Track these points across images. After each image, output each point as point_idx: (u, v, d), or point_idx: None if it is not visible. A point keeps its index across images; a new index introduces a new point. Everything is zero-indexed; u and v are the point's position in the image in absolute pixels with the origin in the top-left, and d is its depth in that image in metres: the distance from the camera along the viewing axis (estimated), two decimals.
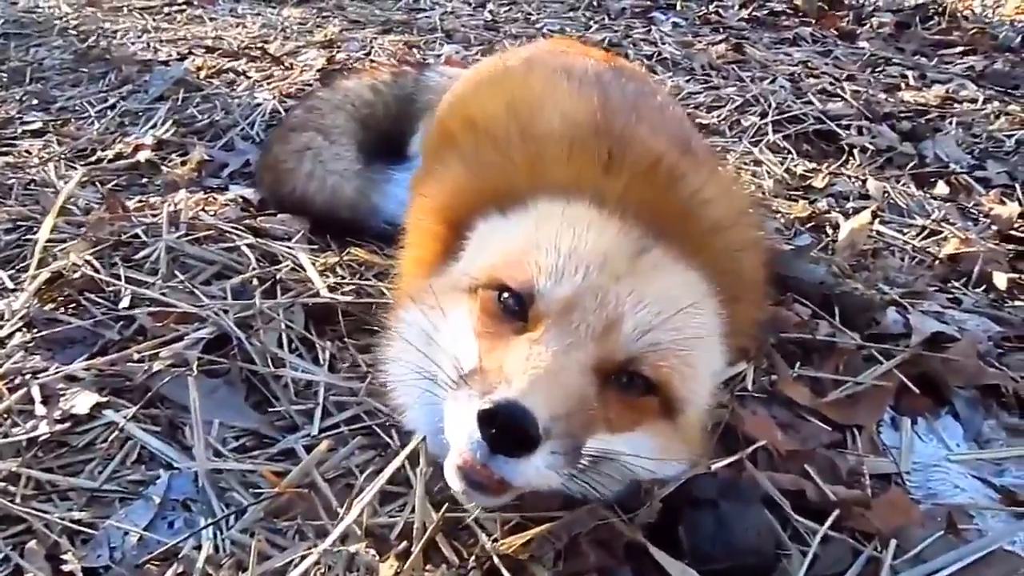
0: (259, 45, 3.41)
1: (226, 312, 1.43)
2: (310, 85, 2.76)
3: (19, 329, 1.45)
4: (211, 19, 3.96)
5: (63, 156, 2.28)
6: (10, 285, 1.57)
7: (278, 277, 1.55)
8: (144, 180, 2.14)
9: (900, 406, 1.42)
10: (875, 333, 1.55)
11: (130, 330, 1.42)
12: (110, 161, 2.21)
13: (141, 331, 1.42)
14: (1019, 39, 3.98)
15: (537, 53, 1.80)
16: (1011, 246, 2.01)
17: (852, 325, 1.56)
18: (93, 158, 2.25)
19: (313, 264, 1.62)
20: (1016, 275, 1.87)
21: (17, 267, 1.68)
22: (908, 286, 1.78)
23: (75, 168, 2.19)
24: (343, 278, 1.62)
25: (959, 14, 4.45)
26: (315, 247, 1.75)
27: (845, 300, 1.58)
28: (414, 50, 3.41)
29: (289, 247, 1.70)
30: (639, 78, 1.71)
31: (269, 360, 1.35)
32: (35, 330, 1.43)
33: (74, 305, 1.51)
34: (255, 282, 1.55)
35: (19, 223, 1.85)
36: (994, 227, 2.10)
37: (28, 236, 1.79)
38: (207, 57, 3.24)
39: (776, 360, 1.47)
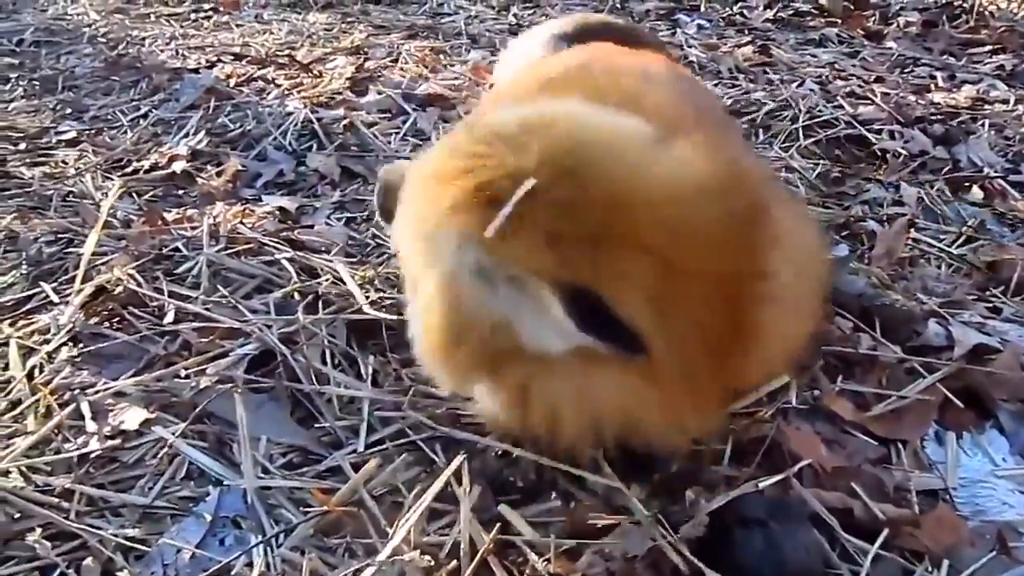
0: (286, 52, 3.43)
1: (269, 327, 1.45)
2: (340, 93, 2.78)
3: (65, 343, 1.47)
4: (238, 25, 3.99)
5: (99, 167, 2.30)
6: (55, 299, 1.59)
7: (319, 292, 1.56)
8: (180, 191, 2.16)
9: (944, 420, 1.41)
10: (917, 345, 1.54)
11: (175, 345, 1.44)
12: (146, 172, 2.24)
13: (186, 346, 1.44)
14: None
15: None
16: None
17: (893, 337, 1.55)
18: (129, 169, 2.27)
19: (352, 277, 1.64)
20: None
21: (60, 279, 1.70)
22: (947, 295, 1.77)
23: (112, 179, 2.22)
24: (383, 292, 1.63)
25: (987, 12, 4.41)
26: (353, 259, 1.76)
27: (886, 312, 1.57)
28: (440, 56, 3.42)
29: (328, 260, 1.71)
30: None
31: (313, 376, 1.36)
32: (81, 344, 1.45)
33: (118, 319, 1.53)
34: (296, 296, 1.57)
35: (60, 235, 1.88)
36: None
37: (69, 249, 1.81)
38: (235, 65, 3.26)
39: (818, 374, 1.46)
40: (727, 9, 4.59)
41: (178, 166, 2.23)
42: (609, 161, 0.98)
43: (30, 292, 1.67)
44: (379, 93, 2.74)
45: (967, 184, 2.37)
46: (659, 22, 4.30)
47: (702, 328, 1.02)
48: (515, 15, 4.37)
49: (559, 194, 0.94)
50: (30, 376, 1.39)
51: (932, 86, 3.29)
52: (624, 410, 1.06)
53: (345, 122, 2.52)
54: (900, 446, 1.34)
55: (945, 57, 3.76)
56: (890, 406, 1.40)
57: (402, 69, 3.05)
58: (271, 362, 1.38)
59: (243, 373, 1.35)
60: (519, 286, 0.94)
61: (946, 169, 2.45)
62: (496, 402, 1.15)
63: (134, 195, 2.15)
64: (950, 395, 1.41)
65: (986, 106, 3.06)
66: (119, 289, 1.57)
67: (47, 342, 1.48)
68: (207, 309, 1.50)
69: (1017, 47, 3.83)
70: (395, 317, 1.48)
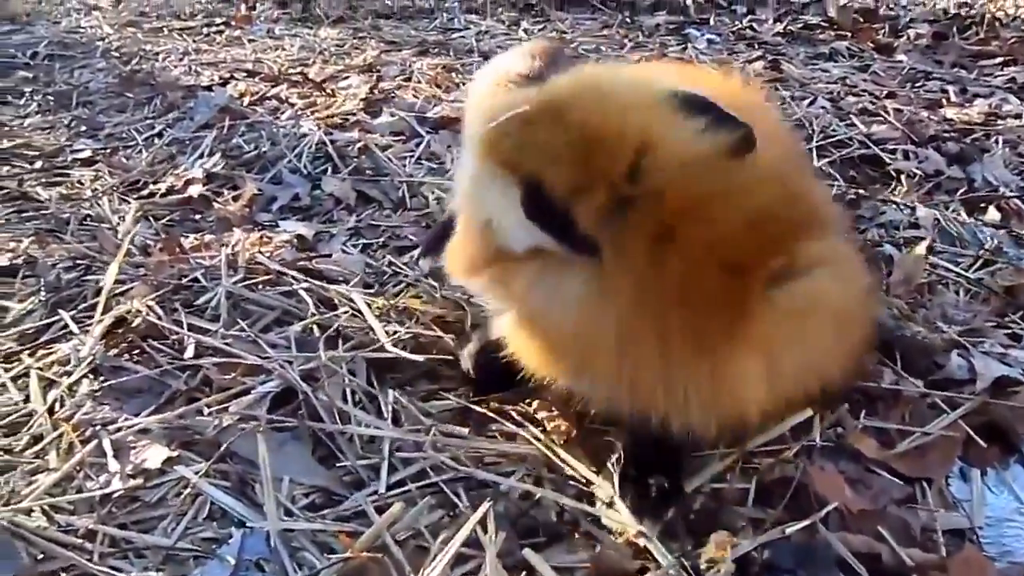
0: (299, 69, 3.44)
1: (290, 363, 1.45)
2: (353, 115, 2.78)
3: (85, 375, 1.48)
4: (250, 41, 4.00)
5: (115, 189, 2.31)
6: (75, 328, 1.59)
7: (338, 326, 1.56)
8: (197, 215, 2.17)
9: (968, 456, 1.40)
10: (938, 379, 1.53)
11: (196, 380, 1.44)
12: (162, 195, 2.24)
13: (207, 381, 1.44)
14: None
15: None
16: None
17: (914, 370, 1.54)
18: (145, 192, 2.28)
19: (370, 308, 1.64)
20: None
21: (79, 307, 1.71)
22: (967, 323, 1.76)
23: (128, 201, 2.23)
24: (402, 323, 1.63)
25: (997, 23, 4.39)
26: (370, 290, 1.76)
27: (906, 344, 1.57)
28: (452, 74, 3.42)
29: (346, 292, 1.71)
30: None
31: (336, 414, 1.36)
32: (102, 378, 1.46)
33: (138, 352, 1.53)
34: (316, 330, 1.57)
35: (78, 261, 1.88)
36: None
37: (88, 276, 1.81)
38: (248, 82, 3.28)
39: (840, 409, 1.46)
40: (737, 23, 4.59)
41: (194, 190, 2.24)
42: (593, 107, 1.11)
43: (49, 320, 1.67)
44: (392, 115, 2.74)
45: (983, 204, 2.36)
46: (669, 37, 4.30)
47: (677, 287, 1.08)
48: (525, 30, 4.38)
49: (543, 126, 1.11)
50: (51, 410, 1.39)
51: (944, 101, 3.28)
52: (577, 323, 1.14)
53: (359, 145, 2.52)
54: (925, 484, 1.33)
55: (956, 70, 3.75)
56: (914, 443, 1.39)
57: (415, 90, 3.05)
58: (293, 400, 1.38)
59: (265, 412, 1.34)
60: (495, 181, 1.15)
61: (962, 189, 2.44)
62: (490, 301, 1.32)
63: (151, 219, 2.15)
64: (972, 433, 1.40)
65: (999, 121, 3.05)
66: (138, 320, 1.57)
67: (67, 374, 1.48)
68: (227, 344, 1.50)
69: None
70: (414, 356, 1.47)
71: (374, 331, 1.56)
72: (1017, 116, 3.09)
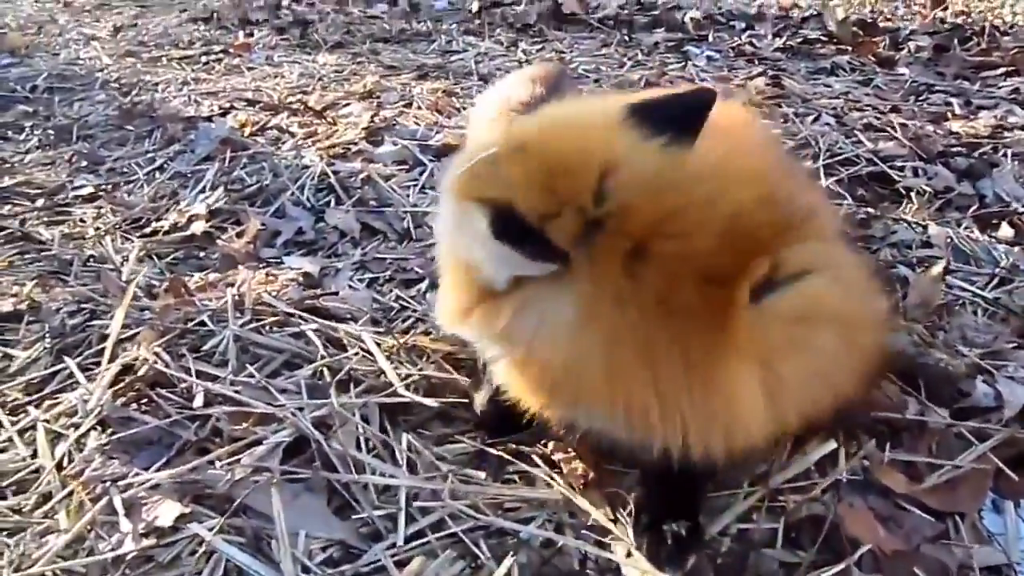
0: (299, 97, 3.42)
1: (301, 411, 1.41)
2: (355, 144, 2.76)
3: (93, 427, 1.44)
4: (249, 68, 3.99)
5: (118, 227, 2.29)
6: (81, 378, 1.56)
7: (349, 369, 1.53)
8: (201, 253, 2.14)
9: (999, 487, 1.36)
10: (964, 407, 1.50)
11: (206, 430, 1.41)
12: (166, 233, 2.22)
13: (217, 431, 1.41)
14: None
15: None
16: None
17: (938, 399, 1.51)
18: (148, 229, 2.25)
19: (379, 347, 1.61)
20: None
21: (85, 354, 1.68)
22: (988, 346, 1.73)
23: (131, 240, 2.20)
24: (413, 363, 1.60)
25: (997, 32, 4.38)
26: (380, 328, 1.73)
27: (929, 372, 1.54)
28: (452, 99, 3.40)
29: (355, 332, 1.68)
30: None
31: (351, 463, 1.32)
32: (110, 430, 1.43)
33: (146, 401, 1.50)
34: (326, 374, 1.54)
35: (82, 305, 1.85)
36: None
37: (93, 321, 1.78)
38: (249, 112, 3.26)
39: (864, 441, 1.43)
40: (735, 39, 4.58)
41: (197, 227, 2.21)
42: (555, 137, 1.15)
43: (55, 368, 1.64)
44: (395, 144, 2.72)
45: (995, 221, 2.33)
46: (668, 55, 4.29)
47: (656, 303, 1.08)
48: (524, 51, 4.37)
49: (509, 161, 1.13)
50: (60, 466, 1.36)
51: (949, 114, 3.26)
52: (563, 353, 1.14)
53: (363, 175, 2.50)
54: (958, 519, 1.29)
55: (959, 82, 3.73)
56: (943, 476, 1.35)
57: (416, 118, 3.03)
58: (306, 449, 1.35)
59: (279, 463, 1.31)
60: (468, 217, 1.15)
61: (973, 206, 2.41)
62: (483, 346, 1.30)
63: (154, 257, 2.12)
64: (1003, 465, 1.36)
65: (1006, 133, 3.03)
66: (145, 368, 1.54)
67: (75, 427, 1.45)
68: (237, 391, 1.47)
69: None
70: (428, 401, 1.44)
71: (385, 373, 1.53)
72: (1023, 128, 3.07)
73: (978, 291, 1.98)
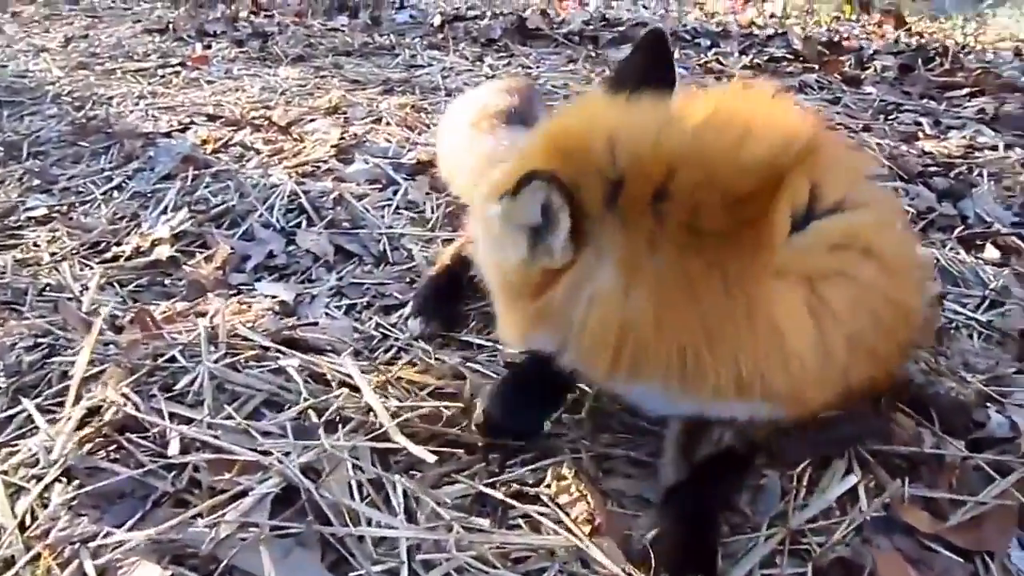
0: (261, 112, 3.30)
1: (288, 455, 1.31)
2: (325, 162, 2.65)
3: (58, 479, 1.31)
4: (208, 82, 3.85)
5: (75, 252, 2.14)
6: (42, 423, 1.43)
7: (336, 407, 1.43)
8: (166, 278, 2.01)
9: (1022, 523, 1.32)
10: (980, 438, 1.45)
11: (183, 480, 1.29)
12: (127, 258, 2.08)
13: (196, 481, 1.29)
14: None
15: None
16: None
17: (953, 430, 1.46)
18: (108, 255, 2.12)
19: (368, 385, 1.51)
20: None
21: (44, 394, 1.54)
22: (990, 371, 1.69)
23: (90, 266, 2.06)
24: (400, 398, 1.50)
25: (960, 54, 4.44)
26: (362, 360, 1.64)
27: (942, 402, 1.49)
28: (421, 114, 3.31)
29: (338, 364, 1.58)
30: None
31: (345, 513, 1.22)
32: (77, 481, 1.30)
33: (115, 447, 1.37)
34: (312, 414, 1.43)
35: (39, 339, 1.71)
36: None
37: (52, 357, 1.65)
38: (210, 127, 3.13)
39: (881, 475, 1.37)
40: (702, 55, 4.57)
41: (162, 251, 2.09)
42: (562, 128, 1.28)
43: (10, 412, 1.51)
44: (366, 162, 2.62)
45: (980, 242, 2.32)
46: None
47: (686, 235, 1.13)
48: (490, 66, 4.30)
49: (525, 160, 1.26)
50: (23, 525, 1.23)
51: (920, 134, 3.27)
52: (616, 313, 1.17)
53: (334, 195, 2.39)
54: (987, 558, 1.24)
55: (925, 101, 3.75)
56: (968, 513, 1.30)
57: (387, 135, 2.93)
58: (295, 499, 1.24)
59: (267, 517, 1.20)
60: (501, 213, 1.22)
61: (956, 227, 2.39)
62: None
63: (116, 285, 1.99)
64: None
65: (977, 153, 3.04)
66: (112, 411, 1.42)
67: (37, 478, 1.32)
68: (215, 436, 1.35)
69: (994, 89, 3.85)
70: (423, 450, 1.34)
71: (374, 411, 1.43)
72: (994, 148, 3.08)
73: (971, 314, 1.95)
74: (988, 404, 1.55)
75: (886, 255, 1.23)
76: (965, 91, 3.83)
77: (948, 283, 2.11)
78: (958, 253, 2.27)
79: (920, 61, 4.21)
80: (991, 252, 2.27)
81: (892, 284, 1.24)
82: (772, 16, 7.02)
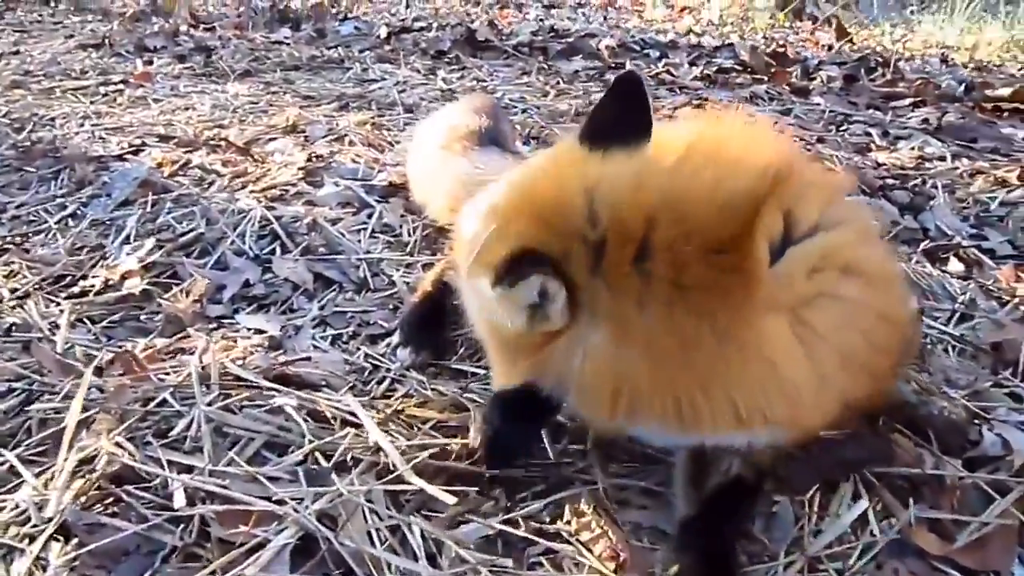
0: (216, 132, 3.21)
1: (301, 502, 1.27)
2: (294, 185, 2.59)
3: (54, 537, 1.25)
4: (155, 100, 3.74)
5: (38, 288, 2.05)
6: (29, 477, 1.36)
7: (344, 448, 1.40)
8: (140, 315, 1.94)
9: (1021, 539, 1.36)
10: (974, 457, 1.49)
11: (192, 533, 1.24)
12: (97, 293, 2.00)
13: (205, 534, 1.24)
14: (962, 88, 4.11)
15: None
16: None
17: (948, 449, 1.50)
18: (76, 289, 2.03)
19: (371, 420, 1.48)
20: None
21: (25, 444, 1.47)
22: (971, 386, 1.74)
23: (56, 302, 1.97)
24: (407, 439, 1.47)
25: (899, 64, 4.59)
26: (363, 398, 1.60)
27: (937, 422, 1.53)
28: (383, 132, 3.27)
29: (337, 401, 1.54)
30: None
31: (368, 562, 1.19)
32: (76, 540, 1.23)
33: (113, 501, 1.31)
34: (320, 457, 1.39)
35: (13, 385, 1.63)
36: (1023, 308, 2.10)
37: (30, 404, 1.57)
38: (163, 148, 3.03)
39: (887, 498, 1.40)
40: (652, 67, 4.63)
41: (133, 284, 2.01)
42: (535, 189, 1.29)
43: None
44: (336, 184, 2.57)
45: (944, 255, 2.39)
46: (591, 83, 4.29)
47: (673, 287, 1.14)
48: (443, 79, 4.28)
49: (507, 226, 1.25)
50: None
51: (872, 145, 3.36)
52: (611, 365, 1.20)
53: (307, 220, 2.34)
54: None
55: (872, 112, 3.87)
56: (973, 534, 1.33)
57: (355, 156, 2.88)
58: (314, 550, 1.21)
59: (288, 571, 1.16)
60: (480, 290, 1.25)
61: (921, 240, 2.46)
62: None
63: (86, 321, 1.91)
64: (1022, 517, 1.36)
65: (928, 164, 3.14)
66: (104, 461, 1.36)
67: (30, 538, 1.25)
68: (222, 485, 1.30)
69: (934, 99, 3.99)
70: (442, 493, 1.32)
71: (383, 450, 1.40)
72: (943, 159, 3.19)
73: (944, 328, 2.01)
74: (976, 421, 1.59)
75: (868, 270, 1.27)
76: (908, 101, 3.97)
77: (918, 297, 2.17)
78: (924, 266, 2.33)
79: (863, 71, 4.34)
80: (955, 265, 2.34)
81: (877, 298, 1.29)
82: (709, 23, 7.18)
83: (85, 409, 1.49)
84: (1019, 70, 4.95)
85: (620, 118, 1.28)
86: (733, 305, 1.15)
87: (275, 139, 3.12)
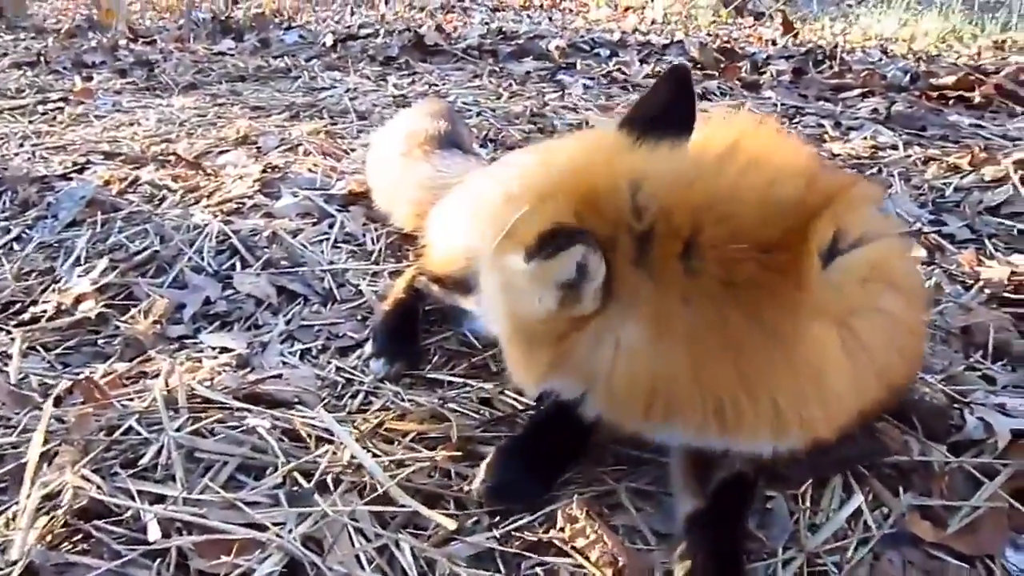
0: (163, 147, 3.12)
1: (283, 526, 1.21)
2: (250, 198, 2.52)
3: None
4: (97, 117, 3.62)
5: None
6: None
7: (323, 467, 1.34)
8: (97, 340, 1.85)
9: (1012, 523, 1.35)
10: (959, 441, 1.49)
11: (170, 567, 1.17)
12: (49, 319, 1.91)
13: (183, 567, 1.17)
14: (907, 78, 4.19)
15: None
16: (1008, 309, 2.03)
17: (933, 435, 1.50)
18: (26, 316, 1.93)
19: (349, 436, 1.42)
20: None
21: None
22: (946, 371, 1.75)
23: (7, 330, 1.88)
24: (388, 454, 1.42)
25: (846, 56, 4.66)
26: (338, 413, 1.55)
27: (921, 409, 1.52)
28: (338, 140, 3.21)
29: (311, 418, 1.49)
30: None
31: None
32: None
33: (82, 538, 1.24)
34: (299, 478, 1.34)
35: None
36: (987, 290, 2.12)
37: None
38: (109, 166, 2.93)
39: (877, 487, 1.39)
40: (603, 66, 4.64)
41: (87, 307, 1.92)
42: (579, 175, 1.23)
43: None
44: (294, 195, 2.50)
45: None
46: (543, 84, 4.27)
47: (722, 288, 1.12)
48: (394, 85, 4.22)
49: (545, 207, 1.20)
50: None
51: (825, 136, 3.40)
52: (648, 366, 1.16)
53: (267, 233, 2.27)
54: (989, 561, 1.27)
55: (822, 104, 3.91)
56: (964, 519, 1.33)
57: (311, 167, 2.81)
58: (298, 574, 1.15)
59: None
60: (522, 267, 1.17)
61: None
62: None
63: (40, 349, 1.82)
64: (1014, 502, 1.36)
65: (881, 153, 3.18)
66: (70, 495, 1.28)
67: None
68: (200, 513, 1.24)
69: (882, 89, 4.06)
70: (435, 514, 1.27)
71: (364, 466, 1.35)
72: (895, 147, 3.24)
73: None
74: (956, 406, 1.60)
75: (906, 285, 1.27)
76: (856, 92, 4.03)
77: None
78: None
79: (811, 64, 4.39)
80: (918, 251, 2.36)
81: (911, 313, 1.28)
82: (653, 22, 7.23)
83: (46, 441, 1.41)
84: (959, 59, 5.06)
85: (666, 110, 1.27)
86: (783, 306, 1.12)
87: (226, 151, 3.04)
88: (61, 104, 3.82)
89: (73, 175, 2.85)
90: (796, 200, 1.14)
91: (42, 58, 4.82)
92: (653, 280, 1.13)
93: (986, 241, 2.41)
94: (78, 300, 1.95)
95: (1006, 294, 2.09)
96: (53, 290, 2.04)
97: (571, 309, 1.17)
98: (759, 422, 1.15)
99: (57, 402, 1.55)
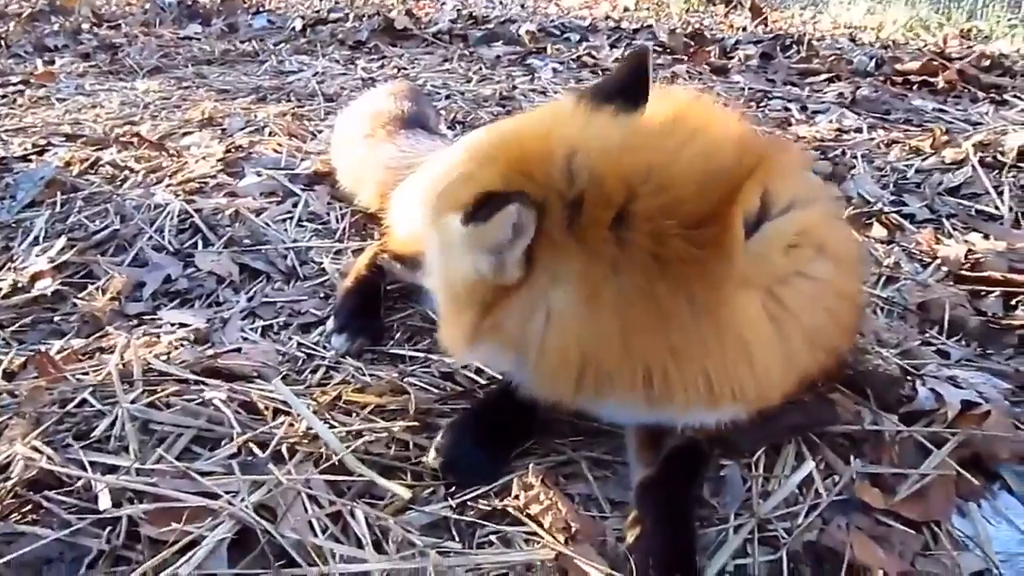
0: (127, 129, 3.08)
1: (236, 495, 1.21)
2: (213, 177, 2.50)
3: None
4: (59, 100, 3.57)
5: None
6: None
7: (279, 437, 1.34)
8: (54, 317, 1.83)
9: (960, 491, 1.38)
10: (910, 411, 1.52)
11: (120, 535, 1.17)
12: (5, 296, 1.88)
13: (134, 535, 1.17)
14: (872, 63, 4.22)
15: None
16: (963, 287, 2.07)
17: (886, 405, 1.52)
18: None
19: (308, 409, 1.42)
20: (982, 318, 1.91)
21: None
22: (901, 345, 1.78)
23: None
24: (346, 425, 1.42)
25: (814, 41, 4.69)
26: (297, 386, 1.54)
27: (874, 379, 1.55)
28: (305, 122, 3.19)
29: (269, 391, 1.48)
30: None
31: (311, 552, 1.14)
32: None
33: (32, 508, 1.23)
34: (255, 449, 1.33)
35: None
36: (944, 268, 2.15)
37: None
38: (70, 147, 2.88)
39: (829, 456, 1.41)
40: (573, 50, 4.63)
41: (44, 285, 1.90)
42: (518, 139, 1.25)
43: None
44: (258, 174, 2.49)
45: (868, 221, 2.44)
46: (513, 68, 4.27)
47: (650, 259, 1.13)
48: (364, 68, 4.20)
49: (481, 169, 1.23)
50: None
51: (792, 119, 3.43)
52: (578, 335, 1.17)
53: (229, 212, 2.26)
54: (935, 527, 1.29)
55: (789, 88, 3.94)
56: (912, 486, 1.35)
57: (275, 147, 2.79)
58: (253, 543, 1.15)
59: (227, 567, 1.10)
60: (456, 229, 1.18)
61: (846, 209, 2.51)
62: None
63: None
64: (961, 470, 1.38)
65: (846, 136, 3.21)
66: (21, 467, 1.27)
67: None
68: (152, 483, 1.23)
69: (848, 74, 4.09)
70: (393, 485, 1.27)
71: (320, 436, 1.35)
72: (859, 130, 3.27)
73: (872, 291, 2.05)
74: (909, 378, 1.62)
75: (837, 250, 1.27)
76: (823, 77, 4.06)
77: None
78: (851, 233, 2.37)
79: (779, 49, 4.42)
80: (879, 231, 2.39)
81: (842, 278, 1.28)
82: (626, 10, 7.23)
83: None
84: (924, 46, 5.11)
85: (622, 87, 1.29)
86: (711, 281, 1.13)
87: (190, 133, 3.01)
88: (22, 87, 3.76)
89: (33, 157, 2.81)
90: (728, 171, 1.15)
91: (3, 42, 4.74)
92: (583, 247, 1.13)
93: (944, 221, 2.45)
94: (35, 278, 1.92)
95: (962, 272, 2.12)
96: (9, 268, 2.01)
97: (496, 276, 1.17)
98: (689, 393, 1.16)
99: (10, 377, 1.53)
